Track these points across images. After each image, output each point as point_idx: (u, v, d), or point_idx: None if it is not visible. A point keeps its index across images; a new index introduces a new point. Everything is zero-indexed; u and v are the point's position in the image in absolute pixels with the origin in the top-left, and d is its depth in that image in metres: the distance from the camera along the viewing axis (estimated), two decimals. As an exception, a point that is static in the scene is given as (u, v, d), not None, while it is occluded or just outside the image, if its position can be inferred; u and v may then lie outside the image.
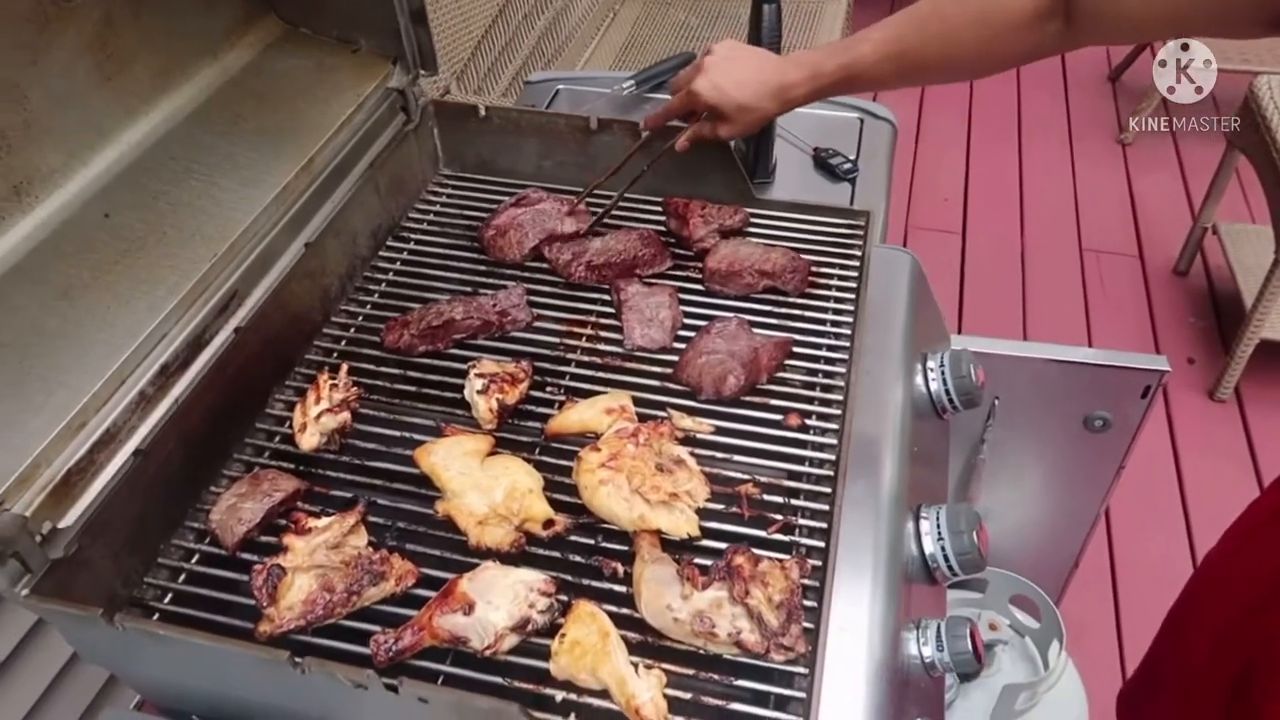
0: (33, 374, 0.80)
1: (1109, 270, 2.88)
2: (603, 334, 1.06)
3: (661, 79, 1.60)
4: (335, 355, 1.05)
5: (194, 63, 1.08)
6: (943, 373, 1.12)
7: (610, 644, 0.73)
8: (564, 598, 0.79)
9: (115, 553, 0.80)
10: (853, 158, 1.47)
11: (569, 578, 0.81)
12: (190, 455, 0.88)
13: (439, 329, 1.03)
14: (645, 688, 0.71)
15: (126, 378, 0.84)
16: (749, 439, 0.93)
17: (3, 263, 0.87)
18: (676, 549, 0.83)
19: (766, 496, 0.88)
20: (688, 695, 0.74)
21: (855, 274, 1.10)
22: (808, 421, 0.95)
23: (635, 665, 0.73)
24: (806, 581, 0.79)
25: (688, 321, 1.06)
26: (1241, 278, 2.44)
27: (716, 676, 0.75)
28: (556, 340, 1.06)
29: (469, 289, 1.12)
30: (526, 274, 1.14)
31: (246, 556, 0.83)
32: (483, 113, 1.24)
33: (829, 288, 1.10)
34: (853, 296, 1.08)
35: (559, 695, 0.73)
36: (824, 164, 1.46)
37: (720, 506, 0.86)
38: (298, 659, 0.68)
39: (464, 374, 0.97)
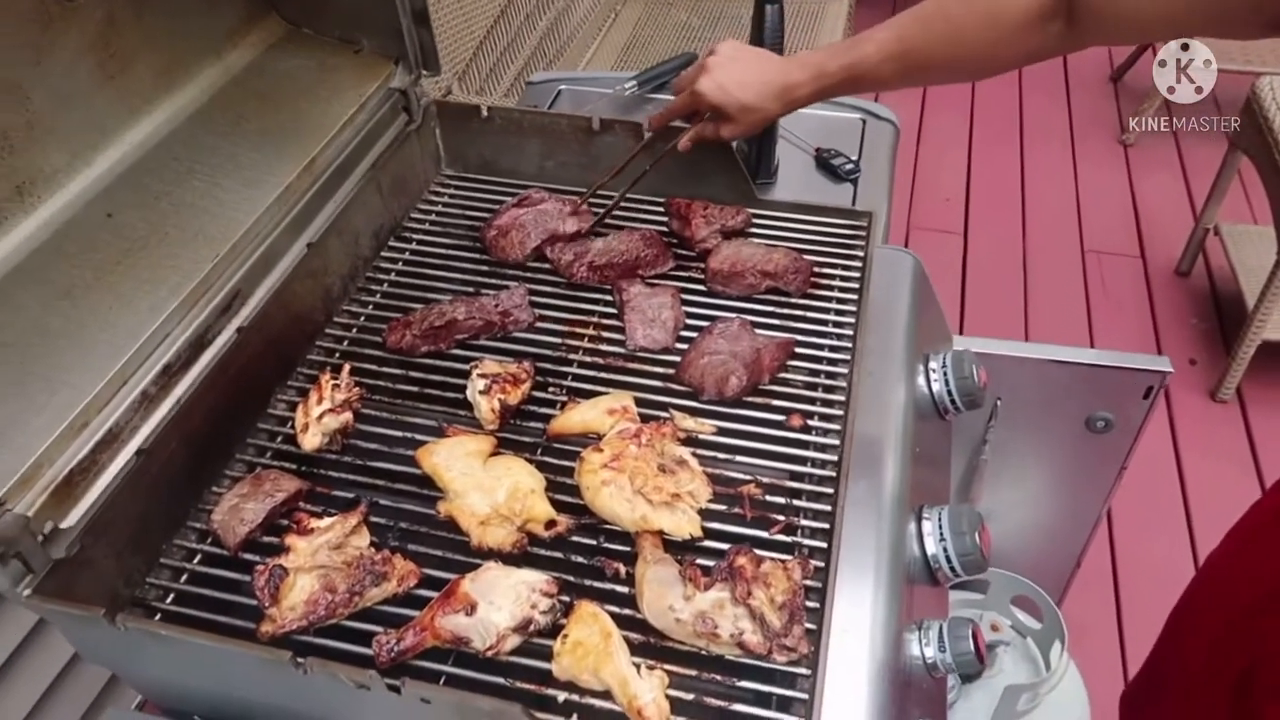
0: (35, 374, 0.80)
1: (1111, 271, 2.88)
2: (605, 334, 1.06)
3: (663, 79, 1.60)
4: (337, 355, 1.05)
5: (196, 62, 1.08)
6: (945, 373, 1.12)
7: (612, 645, 0.73)
8: (566, 598, 0.79)
9: (117, 553, 0.80)
10: (855, 158, 1.47)
11: (571, 578, 0.81)
12: (192, 455, 0.88)
13: (441, 329, 1.03)
14: (647, 689, 0.71)
15: (129, 378, 0.84)
16: (751, 439, 0.93)
17: (5, 263, 0.87)
18: (679, 550, 0.83)
19: (769, 497, 0.88)
20: (690, 696, 0.74)
21: (857, 275, 1.10)
22: (810, 422, 0.95)
23: (637, 666, 0.73)
24: (809, 582, 0.79)
25: (690, 322, 1.06)
26: (1243, 278, 2.44)
27: (719, 677, 0.75)
28: (558, 341, 1.05)
29: (471, 289, 1.12)
30: (528, 274, 1.14)
31: (248, 557, 0.83)
32: (485, 113, 1.24)
33: (831, 288, 1.10)
34: (855, 297, 1.08)
35: (561, 696, 0.73)
36: (826, 164, 1.46)
37: (722, 507, 0.86)
38: (300, 659, 0.68)
39: (466, 374, 0.97)
